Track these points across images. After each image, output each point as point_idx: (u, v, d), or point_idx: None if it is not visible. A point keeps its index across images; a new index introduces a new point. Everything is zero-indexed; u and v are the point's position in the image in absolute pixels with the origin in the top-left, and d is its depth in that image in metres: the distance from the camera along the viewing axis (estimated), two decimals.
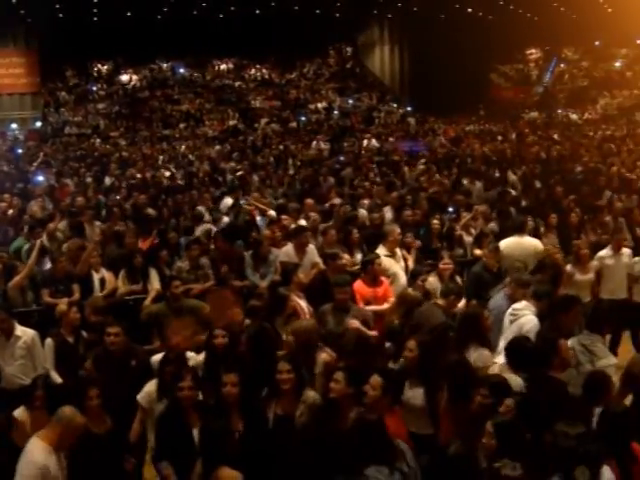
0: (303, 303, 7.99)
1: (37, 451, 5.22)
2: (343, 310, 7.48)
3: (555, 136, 26.98)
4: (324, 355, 6.42)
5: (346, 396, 5.47)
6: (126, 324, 7.18)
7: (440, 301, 7.62)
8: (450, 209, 12.20)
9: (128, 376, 6.64)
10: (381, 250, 9.25)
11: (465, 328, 6.64)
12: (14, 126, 34.02)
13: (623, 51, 42.68)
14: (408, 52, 41.57)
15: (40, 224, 11.15)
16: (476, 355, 6.36)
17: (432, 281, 8.64)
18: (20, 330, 7.40)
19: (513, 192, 14.11)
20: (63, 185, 16.80)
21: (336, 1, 37.48)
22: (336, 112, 38.41)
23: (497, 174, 16.78)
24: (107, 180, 18.58)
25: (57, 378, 7.24)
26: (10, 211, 13.25)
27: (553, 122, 35.06)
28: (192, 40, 35.90)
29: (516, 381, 5.74)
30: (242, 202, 13.40)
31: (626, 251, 9.82)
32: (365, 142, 27.82)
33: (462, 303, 7.83)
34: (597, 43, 42.20)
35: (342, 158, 22.23)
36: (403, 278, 9.08)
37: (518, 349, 6.03)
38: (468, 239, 10.76)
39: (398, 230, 9.82)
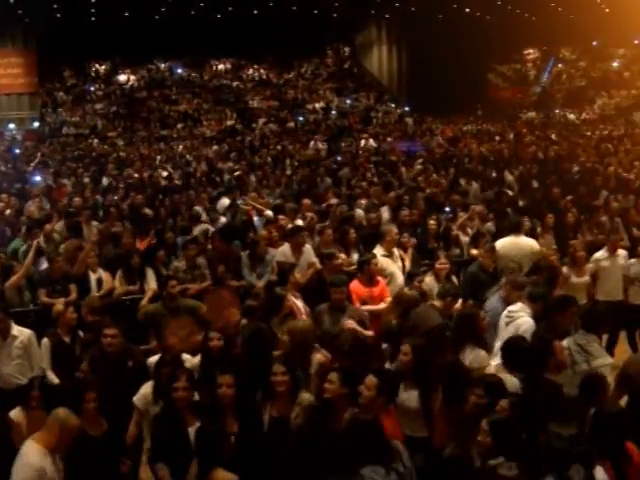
0: (299, 303, 7.99)
1: (32, 453, 5.21)
2: (339, 310, 7.50)
3: (553, 136, 27.00)
4: (318, 356, 6.42)
5: (340, 396, 5.48)
6: (123, 324, 7.20)
7: (437, 302, 7.63)
8: (447, 209, 12.21)
9: (124, 377, 6.64)
10: (378, 250, 9.25)
11: (461, 328, 6.65)
12: (12, 126, 34.02)
13: (621, 51, 42.77)
14: (406, 52, 41.53)
15: (37, 225, 11.15)
16: (472, 356, 6.36)
17: (429, 281, 8.65)
18: (17, 330, 7.40)
19: (510, 193, 14.12)
20: (60, 185, 16.83)
21: (334, 1, 37.45)
22: (334, 112, 38.38)
23: (494, 174, 16.78)
24: (104, 180, 18.59)
25: (53, 378, 7.25)
26: (8, 211, 13.26)
27: (551, 122, 35.11)
28: (190, 40, 35.88)
29: (512, 381, 5.75)
30: (239, 202, 13.40)
31: (622, 252, 9.79)
32: (363, 142, 27.82)
33: (459, 303, 7.83)
34: (595, 43, 42.27)
35: (339, 158, 22.23)
36: (400, 278, 9.09)
37: (514, 349, 6.04)
38: (465, 239, 10.77)
39: (395, 230, 9.83)
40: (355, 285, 8.31)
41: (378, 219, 11.19)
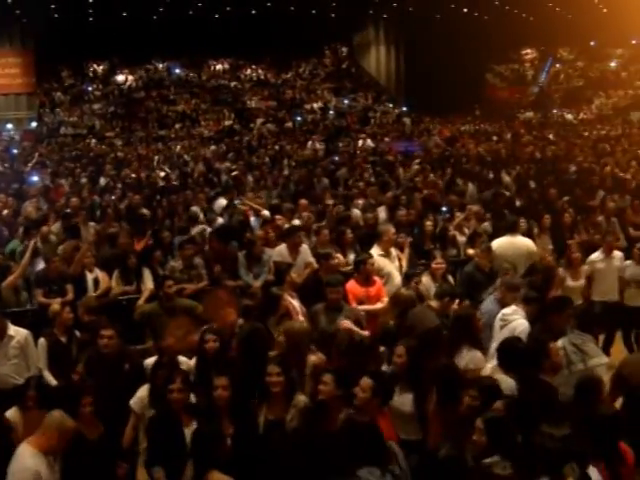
0: (296, 303, 7.98)
1: (28, 456, 5.21)
2: (335, 310, 7.51)
3: (550, 136, 27.02)
4: (312, 357, 6.41)
5: (335, 398, 5.48)
6: (119, 324, 7.20)
7: (434, 303, 7.63)
8: (444, 209, 12.21)
9: (121, 380, 6.62)
10: (375, 250, 9.27)
11: (458, 329, 6.65)
12: (9, 126, 33.95)
13: (618, 51, 42.81)
14: (404, 52, 41.52)
15: (35, 225, 11.16)
16: (469, 357, 6.37)
17: (425, 281, 8.66)
18: (13, 330, 7.40)
19: (507, 194, 14.12)
20: (58, 186, 16.81)
21: (332, 1, 37.45)
22: (332, 112, 38.37)
23: (491, 175, 16.77)
24: (102, 180, 18.56)
25: (50, 378, 7.25)
26: (5, 212, 13.25)
27: (548, 122, 35.15)
28: (188, 40, 35.84)
29: (508, 382, 5.75)
30: (236, 202, 13.41)
31: (617, 254, 9.78)
32: (360, 142, 27.82)
33: (456, 304, 7.83)
34: (592, 43, 42.28)
35: (337, 158, 22.21)
36: (397, 278, 9.11)
37: (510, 350, 6.04)
38: (461, 239, 10.78)
39: (393, 230, 9.84)
40: (351, 285, 8.32)
41: (375, 219, 11.20)
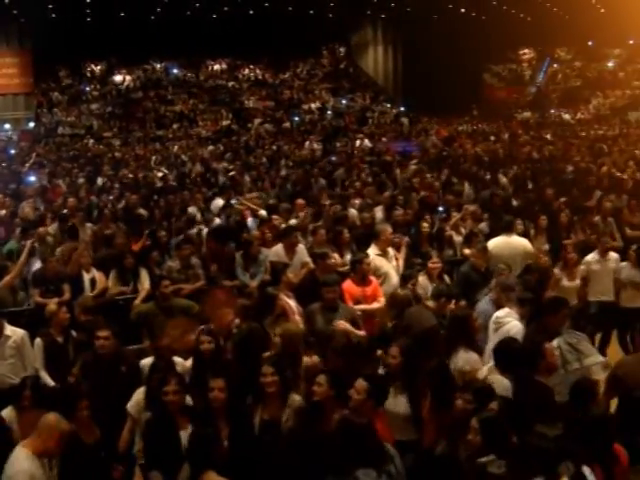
0: (292, 302, 7.99)
1: (22, 459, 5.20)
2: (332, 309, 7.51)
3: (548, 136, 27.03)
4: (306, 359, 6.41)
5: (329, 399, 5.47)
6: (116, 324, 7.20)
7: (430, 303, 7.63)
8: (440, 208, 12.20)
9: (117, 383, 6.60)
10: (373, 249, 9.26)
11: (454, 330, 6.65)
12: (7, 126, 33.97)
13: (616, 51, 42.86)
14: (402, 52, 41.58)
15: (32, 226, 11.17)
16: (465, 358, 6.36)
17: (422, 281, 8.65)
18: (10, 330, 7.40)
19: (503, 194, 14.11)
20: (55, 186, 16.81)
21: (329, 1, 37.46)
22: (329, 112, 38.42)
23: (488, 176, 16.75)
24: (99, 181, 18.57)
25: (46, 378, 7.25)
26: (2, 212, 13.24)
27: (546, 122, 35.18)
28: (186, 40, 35.86)
29: (503, 383, 5.76)
30: (233, 202, 13.41)
31: (613, 255, 9.77)
32: (358, 142, 27.83)
33: (452, 304, 7.83)
34: (590, 43, 42.29)
35: (334, 158, 22.20)
36: (395, 278, 9.08)
37: (506, 350, 6.04)
38: (458, 239, 10.77)
39: (390, 229, 9.84)
40: (348, 285, 8.31)
41: (372, 219, 11.19)
